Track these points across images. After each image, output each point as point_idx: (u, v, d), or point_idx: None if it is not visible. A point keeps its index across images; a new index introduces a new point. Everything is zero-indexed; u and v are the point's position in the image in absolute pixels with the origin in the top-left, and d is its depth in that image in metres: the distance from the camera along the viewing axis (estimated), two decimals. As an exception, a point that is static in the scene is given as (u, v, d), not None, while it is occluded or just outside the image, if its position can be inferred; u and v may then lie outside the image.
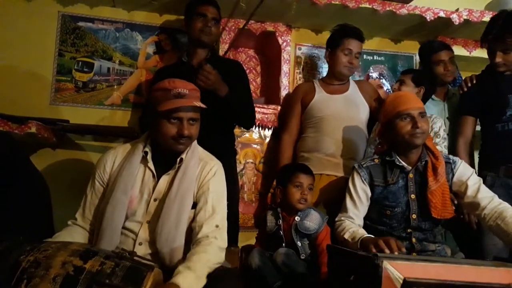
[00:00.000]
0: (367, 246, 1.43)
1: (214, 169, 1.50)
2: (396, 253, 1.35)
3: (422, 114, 1.65)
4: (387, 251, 1.36)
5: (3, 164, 1.54)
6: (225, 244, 1.43)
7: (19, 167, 1.64)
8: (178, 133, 1.40)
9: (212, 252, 1.34)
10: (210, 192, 1.45)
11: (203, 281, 1.25)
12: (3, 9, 2.35)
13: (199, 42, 2.11)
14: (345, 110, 2.19)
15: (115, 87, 2.46)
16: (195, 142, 1.53)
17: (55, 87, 2.38)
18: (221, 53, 2.43)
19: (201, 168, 1.49)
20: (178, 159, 1.46)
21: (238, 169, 2.35)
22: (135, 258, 1.17)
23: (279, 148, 2.28)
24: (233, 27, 2.50)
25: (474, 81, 2.17)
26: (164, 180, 1.47)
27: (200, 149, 1.56)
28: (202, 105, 1.43)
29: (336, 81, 2.29)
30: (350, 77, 2.35)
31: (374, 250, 1.38)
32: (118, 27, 2.49)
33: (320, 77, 2.49)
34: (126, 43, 2.49)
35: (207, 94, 1.92)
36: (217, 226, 1.41)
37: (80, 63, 2.43)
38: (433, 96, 2.35)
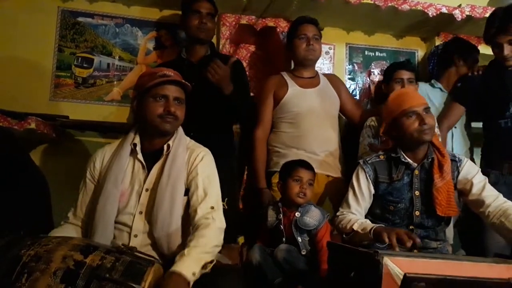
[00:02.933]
0: (380, 235, 1.43)
1: (201, 154, 1.51)
2: (408, 245, 1.35)
3: (427, 110, 1.65)
4: (397, 249, 1.35)
5: (4, 162, 1.53)
6: (223, 225, 1.42)
7: (20, 164, 1.64)
8: (165, 110, 1.44)
9: (211, 234, 1.34)
10: (200, 176, 1.46)
11: (202, 260, 1.26)
12: (3, 4, 2.33)
13: (197, 39, 2.11)
14: (320, 105, 2.18)
15: (115, 83, 2.45)
16: (182, 130, 1.55)
17: (55, 83, 2.38)
18: (221, 49, 2.42)
19: (189, 155, 1.51)
20: (165, 146, 1.48)
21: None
22: (136, 253, 1.17)
23: (253, 145, 2.19)
24: (234, 23, 2.49)
25: (480, 72, 2.17)
26: (155, 170, 1.48)
27: (188, 139, 1.58)
28: (187, 83, 1.48)
29: (305, 72, 2.25)
30: (319, 71, 2.33)
31: (387, 240, 1.38)
32: (118, 23, 2.48)
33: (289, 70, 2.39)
34: (126, 38, 2.48)
35: (209, 92, 1.92)
36: (212, 208, 1.42)
37: (80, 58, 2.42)
38: (441, 87, 2.37)
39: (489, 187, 1.65)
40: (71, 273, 1.04)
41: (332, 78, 2.36)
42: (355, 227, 1.59)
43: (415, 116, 1.62)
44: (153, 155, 1.49)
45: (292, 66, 2.36)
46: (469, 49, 2.44)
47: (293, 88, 2.21)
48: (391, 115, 1.69)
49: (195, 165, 1.48)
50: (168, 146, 1.49)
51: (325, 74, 2.39)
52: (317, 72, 2.33)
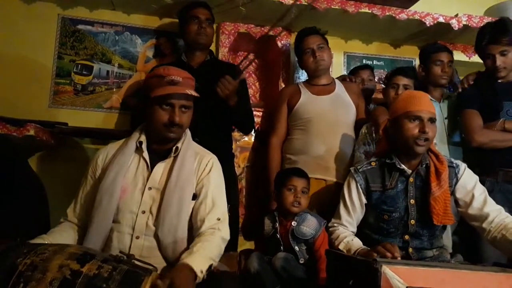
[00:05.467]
0: (367, 257, 1.38)
1: (211, 162, 1.51)
2: (396, 255, 1.34)
3: (432, 120, 1.59)
4: (388, 254, 1.34)
5: (1, 169, 1.53)
6: (228, 236, 1.43)
7: (17, 171, 1.63)
8: (170, 120, 1.42)
9: (215, 242, 1.36)
10: (210, 185, 1.46)
11: (210, 261, 1.27)
12: (3, 11, 2.35)
13: (196, 44, 2.12)
14: (332, 111, 2.16)
15: (114, 90, 2.46)
16: (189, 133, 1.55)
17: (54, 90, 2.38)
18: (221, 57, 2.44)
19: (199, 161, 1.50)
20: (174, 148, 1.47)
21: (237, 173, 2.34)
22: (134, 261, 1.16)
23: (268, 152, 2.23)
24: (233, 31, 2.51)
25: (471, 82, 2.17)
26: (160, 168, 1.46)
27: (194, 143, 1.57)
28: (195, 93, 1.45)
29: (319, 80, 2.26)
30: (335, 78, 2.34)
31: (375, 256, 1.35)
32: (118, 30, 2.49)
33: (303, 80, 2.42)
34: (126, 46, 2.50)
35: (209, 98, 1.93)
36: (218, 219, 1.43)
37: (79, 66, 2.43)
38: (429, 97, 2.33)
39: (490, 201, 1.61)
40: (68, 282, 1.02)
41: (350, 85, 2.33)
42: (340, 247, 1.57)
43: (418, 122, 1.57)
44: (158, 154, 1.48)
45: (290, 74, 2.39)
46: (421, 56, 2.40)
47: (305, 96, 2.21)
48: (395, 113, 1.64)
49: (206, 173, 1.48)
50: (177, 148, 1.48)
51: (343, 81, 2.38)
52: (333, 79, 2.31)
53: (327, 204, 2.00)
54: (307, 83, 2.29)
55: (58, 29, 2.42)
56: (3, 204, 1.49)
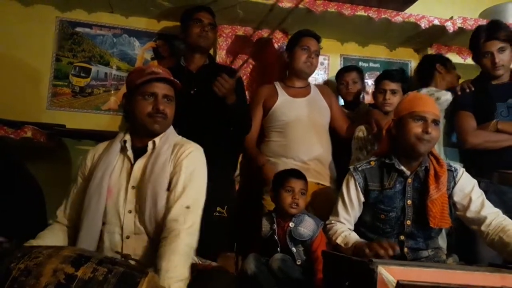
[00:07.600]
0: (361, 251, 1.42)
1: (189, 150, 1.45)
2: (390, 252, 1.35)
3: (436, 122, 1.60)
4: (381, 251, 1.34)
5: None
6: (195, 227, 1.32)
7: (14, 173, 1.63)
8: (154, 108, 1.41)
9: (181, 247, 1.25)
10: (183, 172, 1.40)
11: (186, 276, 1.22)
12: (1, 13, 2.35)
13: (197, 47, 2.14)
14: (309, 114, 2.20)
15: (112, 92, 2.47)
16: (171, 129, 1.53)
17: (52, 92, 2.39)
18: (218, 59, 2.45)
19: (176, 150, 1.45)
20: (150, 143, 1.45)
21: (236, 173, 2.34)
22: (130, 261, 1.16)
23: (246, 145, 2.23)
24: (230, 34, 2.53)
25: (473, 89, 2.16)
26: (139, 166, 1.44)
27: (179, 137, 1.54)
28: (176, 80, 1.46)
29: (297, 82, 2.29)
30: (313, 81, 2.39)
31: (367, 252, 1.37)
32: (116, 33, 2.50)
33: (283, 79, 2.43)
34: (124, 48, 2.50)
35: (208, 100, 1.94)
36: (187, 207, 1.33)
37: (77, 68, 2.44)
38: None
39: (488, 204, 1.62)
40: (62, 287, 1.00)
41: (324, 89, 2.39)
42: (338, 241, 1.58)
43: (422, 122, 1.58)
44: (142, 152, 1.46)
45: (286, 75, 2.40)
46: (445, 57, 2.46)
47: (282, 98, 2.24)
48: (400, 113, 1.66)
49: (180, 160, 1.42)
50: (154, 144, 1.46)
51: (317, 85, 2.42)
52: (309, 82, 2.36)
53: (309, 204, 2.03)
54: (284, 83, 2.32)
55: (56, 32, 2.43)
56: (1, 206, 1.49)
